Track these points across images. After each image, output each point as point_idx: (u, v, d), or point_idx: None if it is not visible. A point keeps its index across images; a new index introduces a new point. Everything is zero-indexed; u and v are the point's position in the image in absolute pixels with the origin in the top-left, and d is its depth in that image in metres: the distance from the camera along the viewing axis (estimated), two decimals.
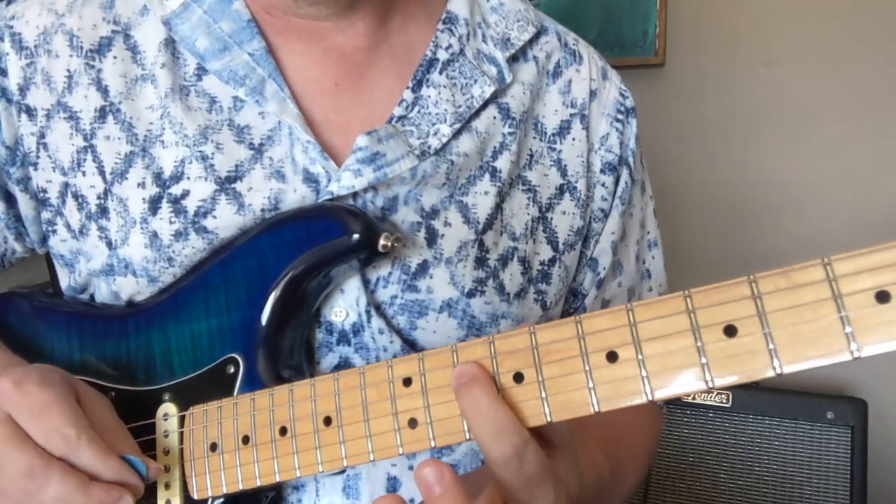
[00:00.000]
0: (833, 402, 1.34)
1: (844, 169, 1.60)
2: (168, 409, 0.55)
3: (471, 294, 0.58)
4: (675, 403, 1.41)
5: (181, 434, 0.54)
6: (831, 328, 0.35)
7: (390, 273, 0.56)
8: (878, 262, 0.35)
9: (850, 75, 1.58)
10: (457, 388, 0.42)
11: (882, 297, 0.34)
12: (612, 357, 0.40)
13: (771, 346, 0.36)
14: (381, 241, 0.51)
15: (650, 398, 0.39)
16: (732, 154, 1.68)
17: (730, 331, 0.37)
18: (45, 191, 0.60)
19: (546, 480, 0.42)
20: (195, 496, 0.52)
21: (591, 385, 0.40)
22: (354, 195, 0.55)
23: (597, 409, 0.40)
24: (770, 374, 0.36)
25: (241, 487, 0.50)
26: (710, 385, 0.38)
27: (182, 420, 0.54)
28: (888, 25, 1.54)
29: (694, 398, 1.41)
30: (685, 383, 0.38)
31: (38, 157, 0.59)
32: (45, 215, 0.61)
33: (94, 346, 0.59)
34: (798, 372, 0.36)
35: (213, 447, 0.52)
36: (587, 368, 0.41)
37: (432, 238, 0.57)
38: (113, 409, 0.52)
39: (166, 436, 0.54)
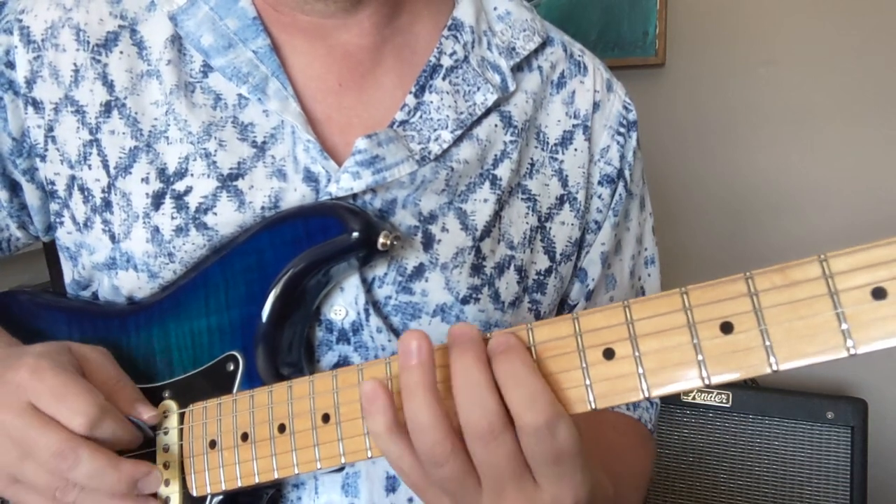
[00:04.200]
0: (833, 402, 1.34)
1: (844, 169, 1.60)
2: (168, 406, 0.55)
3: (465, 301, 0.58)
4: (675, 403, 1.41)
5: (181, 431, 0.54)
6: (827, 325, 0.35)
7: (386, 273, 0.56)
8: (875, 258, 0.35)
9: (849, 75, 1.58)
10: (494, 355, 0.42)
11: (878, 293, 0.34)
12: (608, 354, 0.40)
13: (767, 343, 0.36)
14: (381, 239, 0.52)
15: (647, 395, 0.39)
16: (732, 154, 1.68)
17: (726, 327, 0.37)
18: (53, 183, 0.60)
19: (575, 461, 0.41)
20: (194, 493, 0.53)
21: (587, 382, 0.40)
22: (353, 197, 0.55)
23: (593, 407, 0.40)
24: (766, 370, 0.36)
25: (239, 484, 0.51)
26: (707, 382, 0.38)
27: (181, 417, 0.54)
28: (888, 25, 1.54)
29: (694, 398, 1.40)
30: (682, 380, 0.38)
31: (46, 149, 0.59)
32: (53, 207, 0.62)
33: (94, 344, 0.59)
34: (795, 369, 0.36)
35: (213, 444, 0.52)
36: (584, 365, 0.41)
37: (429, 243, 0.57)
38: (110, 359, 0.55)
39: (166, 433, 0.54)
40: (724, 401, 1.38)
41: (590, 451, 0.43)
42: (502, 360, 0.41)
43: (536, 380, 0.40)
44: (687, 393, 1.40)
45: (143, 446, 0.55)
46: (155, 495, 0.52)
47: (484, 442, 0.41)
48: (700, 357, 0.38)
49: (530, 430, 0.40)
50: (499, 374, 0.41)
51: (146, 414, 0.53)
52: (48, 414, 0.48)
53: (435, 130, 0.58)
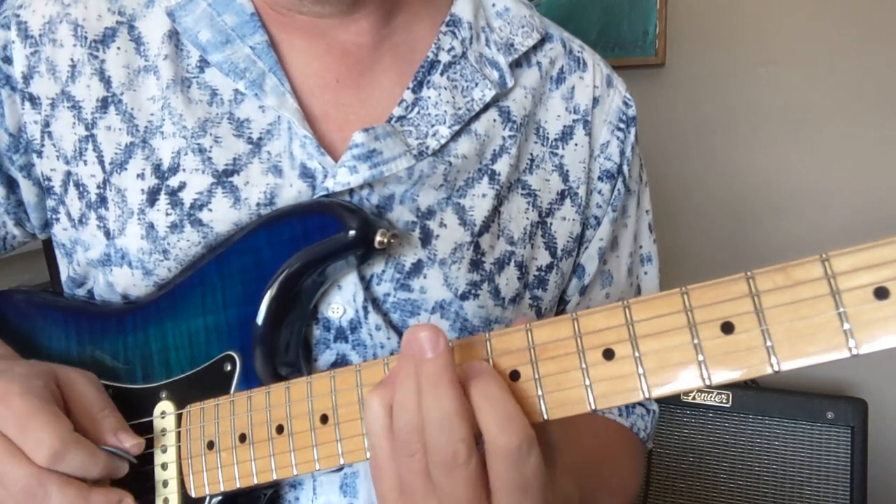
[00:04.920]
0: (833, 402, 1.34)
1: (844, 169, 1.60)
2: (165, 406, 0.55)
3: (464, 297, 0.58)
4: (675, 403, 1.41)
5: (178, 432, 0.54)
6: (829, 325, 0.35)
7: (384, 271, 0.56)
8: (877, 258, 0.34)
9: (849, 75, 1.58)
10: (468, 379, 0.41)
11: (881, 293, 0.34)
12: (608, 354, 0.40)
13: (768, 343, 0.36)
14: (378, 237, 0.51)
15: (647, 395, 0.39)
16: (732, 154, 1.68)
17: (727, 328, 0.37)
18: (49, 179, 0.60)
19: (539, 492, 0.41)
20: (192, 494, 0.52)
21: (587, 382, 0.40)
22: (350, 192, 0.55)
23: (593, 407, 0.40)
24: (768, 371, 0.36)
25: (238, 485, 0.50)
26: (708, 382, 0.37)
27: (179, 418, 0.54)
28: (888, 25, 1.54)
29: (694, 398, 1.40)
30: (682, 380, 0.38)
31: (42, 145, 0.59)
32: (50, 203, 0.61)
33: (91, 344, 0.59)
34: (796, 369, 0.36)
35: (210, 445, 0.52)
36: (584, 366, 0.40)
37: (427, 238, 0.57)
38: (96, 385, 0.53)
39: (164, 434, 0.54)
40: (724, 401, 1.38)
41: (554, 473, 0.42)
42: (477, 383, 0.40)
43: (509, 400, 0.40)
44: (687, 393, 1.40)
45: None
46: None
47: (447, 468, 0.39)
48: (701, 357, 0.37)
49: (502, 453, 0.39)
50: (474, 396, 0.40)
51: (128, 442, 0.51)
52: (15, 443, 0.47)
53: (433, 126, 0.58)
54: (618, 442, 0.70)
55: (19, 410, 0.47)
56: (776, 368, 0.36)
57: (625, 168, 0.67)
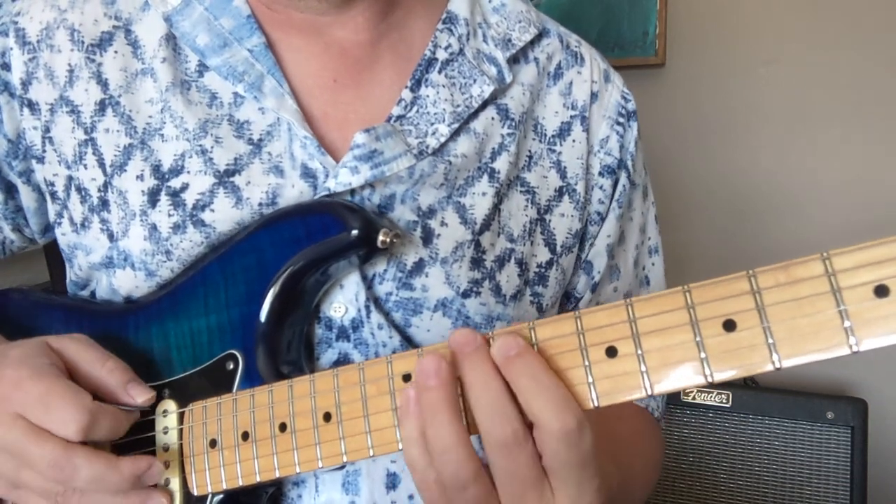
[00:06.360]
0: (833, 402, 1.34)
1: (845, 168, 1.60)
2: (167, 405, 0.55)
3: (466, 294, 0.58)
4: (675, 403, 1.41)
5: (181, 430, 0.54)
6: (830, 322, 0.35)
7: (386, 270, 0.56)
8: (877, 256, 0.35)
9: (849, 75, 1.58)
10: (506, 361, 0.41)
11: (881, 291, 0.34)
12: (611, 352, 0.40)
13: (770, 341, 0.36)
14: (380, 237, 0.51)
15: (650, 393, 0.39)
16: (732, 154, 1.68)
17: (729, 325, 0.37)
18: (52, 184, 0.60)
19: (595, 465, 0.41)
20: (195, 492, 0.52)
21: (590, 380, 0.40)
22: (352, 192, 0.55)
23: (596, 404, 0.40)
24: (769, 368, 0.36)
25: (240, 483, 0.50)
26: (710, 379, 0.38)
27: (181, 416, 0.54)
28: (888, 26, 1.54)
29: (694, 398, 1.40)
30: (685, 378, 0.38)
31: (43, 151, 0.59)
32: (54, 208, 0.62)
33: None
34: (797, 367, 0.36)
35: (213, 443, 0.52)
36: (586, 363, 0.41)
37: (428, 237, 0.57)
38: (90, 344, 0.54)
39: (166, 432, 0.54)
40: (724, 401, 1.38)
41: (600, 448, 0.43)
42: (519, 366, 0.41)
43: (559, 384, 0.40)
44: (687, 392, 1.40)
45: (142, 445, 0.55)
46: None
47: (507, 450, 0.41)
48: (703, 355, 0.38)
49: (560, 436, 0.39)
50: (517, 379, 0.41)
51: (140, 397, 0.53)
52: (39, 425, 0.47)
53: (432, 124, 0.58)
54: (640, 422, 0.71)
55: (38, 392, 0.48)
56: (778, 366, 0.36)
57: (628, 162, 0.67)
